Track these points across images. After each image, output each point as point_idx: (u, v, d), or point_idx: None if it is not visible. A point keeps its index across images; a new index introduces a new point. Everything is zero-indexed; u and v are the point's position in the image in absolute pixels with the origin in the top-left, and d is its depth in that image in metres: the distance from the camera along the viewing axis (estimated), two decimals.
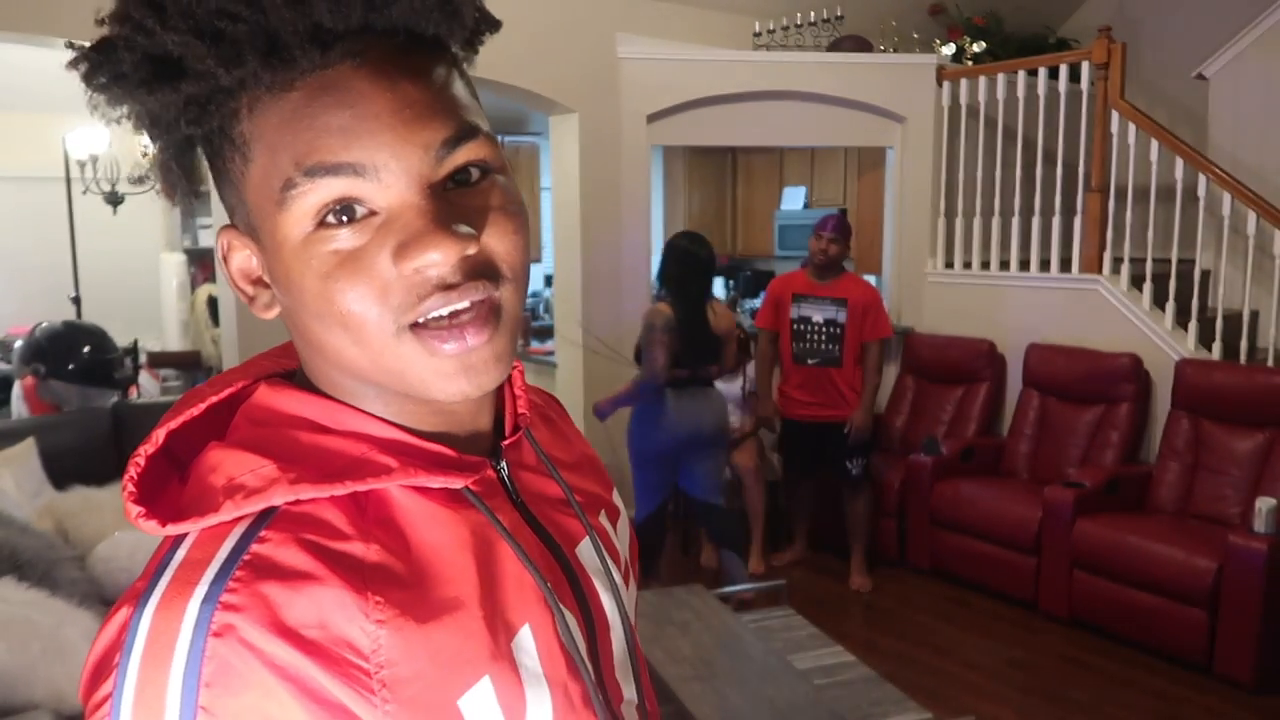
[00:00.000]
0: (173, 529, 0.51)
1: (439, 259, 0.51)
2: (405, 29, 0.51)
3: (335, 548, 0.52)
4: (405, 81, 0.51)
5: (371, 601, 0.51)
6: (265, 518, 0.52)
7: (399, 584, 0.52)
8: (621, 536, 0.74)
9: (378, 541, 0.53)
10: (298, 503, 0.52)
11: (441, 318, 0.52)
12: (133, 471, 0.54)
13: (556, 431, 0.74)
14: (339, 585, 0.50)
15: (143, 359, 5.45)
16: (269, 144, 0.51)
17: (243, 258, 0.57)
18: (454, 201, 0.53)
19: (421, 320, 0.52)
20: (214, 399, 0.59)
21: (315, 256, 0.52)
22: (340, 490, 0.53)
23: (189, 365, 6.21)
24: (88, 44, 0.51)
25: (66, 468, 3.01)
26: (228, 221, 0.58)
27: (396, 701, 0.50)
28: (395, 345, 0.52)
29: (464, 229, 0.51)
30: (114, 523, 2.77)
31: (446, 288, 0.52)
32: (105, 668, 0.48)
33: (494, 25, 0.58)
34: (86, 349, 3.41)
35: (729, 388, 4.47)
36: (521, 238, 0.55)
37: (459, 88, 0.55)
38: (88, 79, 0.50)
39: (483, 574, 0.56)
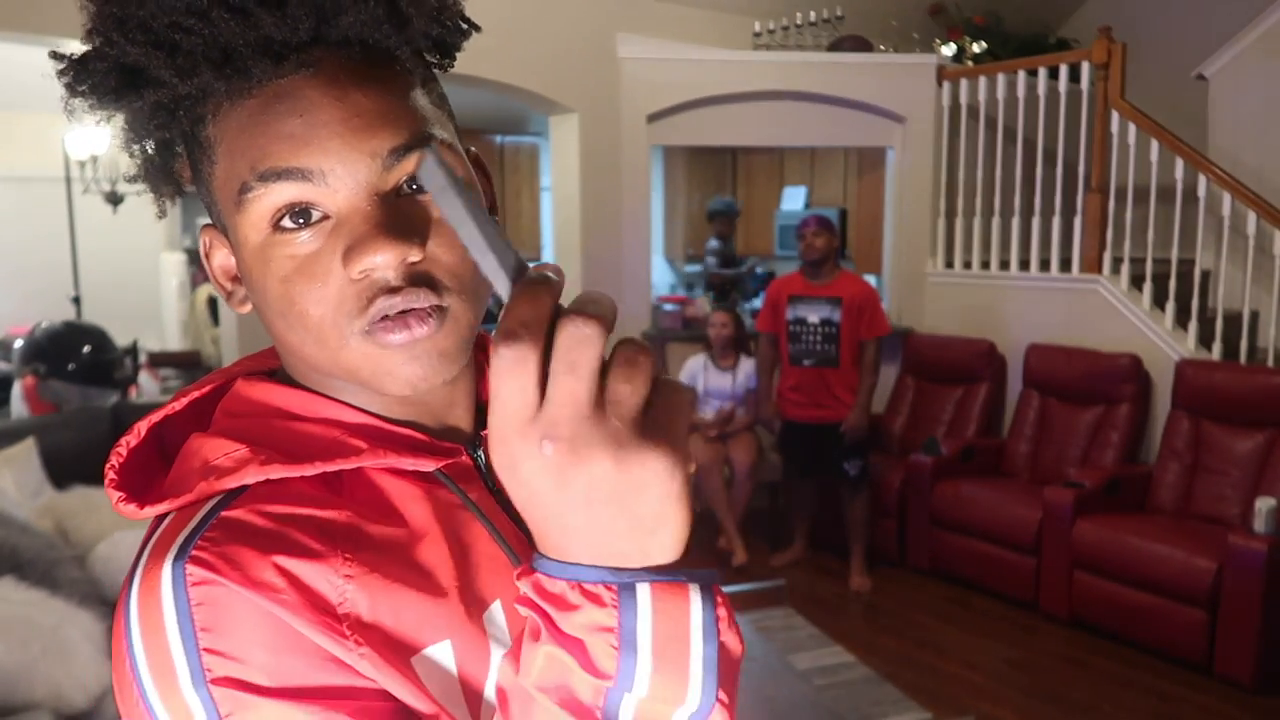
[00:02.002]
0: (150, 510, 0.55)
1: (381, 261, 0.52)
2: (359, 41, 0.54)
3: (304, 512, 0.54)
4: (356, 91, 0.53)
5: (340, 558, 0.53)
6: (236, 494, 0.54)
7: (369, 545, 0.55)
8: None
9: (349, 509, 0.56)
10: (272, 484, 0.54)
11: (388, 317, 0.54)
12: (114, 460, 0.57)
13: None
14: (306, 540, 0.52)
15: (143, 359, 5.45)
16: (228, 148, 0.54)
17: (222, 255, 0.61)
18: (404, 209, 0.54)
19: (372, 322, 0.55)
20: (195, 395, 0.62)
21: (273, 260, 0.54)
22: (310, 470, 0.55)
23: (189, 365, 6.20)
24: (69, 55, 0.54)
25: (66, 468, 3.01)
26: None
27: (369, 645, 0.52)
28: (354, 346, 0.55)
29: (409, 235, 0.53)
30: (114, 523, 2.77)
31: (390, 290, 0.53)
32: (119, 660, 0.51)
33: (464, 32, 0.60)
34: (86, 349, 3.41)
35: (726, 384, 4.49)
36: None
37: (418, 97, 0.56)
38: (70, 88, 0.54)
39: (454, 549, 0.58)
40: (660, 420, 0.42)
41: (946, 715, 3.12)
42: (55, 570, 2.36)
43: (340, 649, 0.50)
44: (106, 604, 2.42)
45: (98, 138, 5.51)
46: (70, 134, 5.59)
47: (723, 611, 0.44)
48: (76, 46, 0.54)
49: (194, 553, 0.50)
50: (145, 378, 4.82)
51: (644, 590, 0.42)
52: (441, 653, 0.55)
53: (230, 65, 0.51)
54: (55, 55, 0.54)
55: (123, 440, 0.58)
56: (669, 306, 5.43)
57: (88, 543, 2.70)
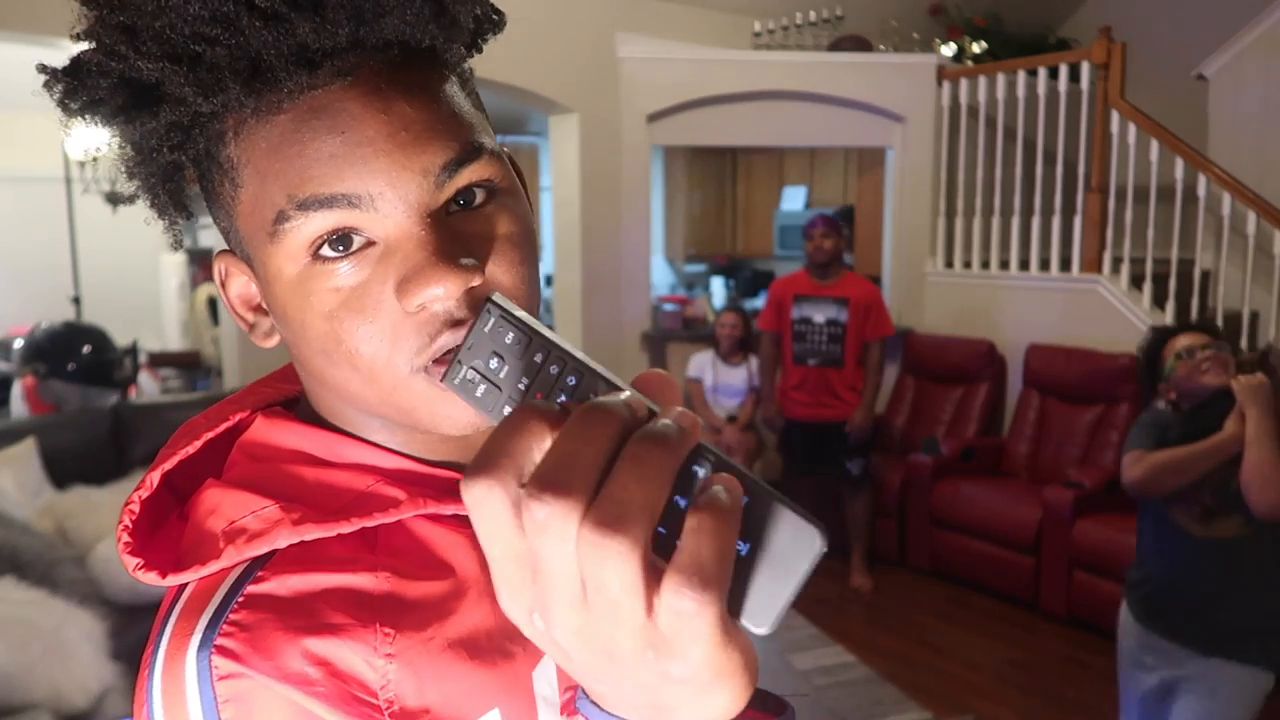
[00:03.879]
0: (174, 579, 0.49)
1: (442, 294, 0.47)
2: (399, 43, 0.48)
3: (338, 582, 0.49)
4: (401, 101, 0.48)
5: (380, 634, 0.48)
6: (263, 560, 0.49)
7: (409, 612, 0.50)
8: None
9: (388, 569, 0.51)
10: (301, 541, 0.50)
11: (451, 351, 0.49)
12: (127, 520, 0.51)
13: None
14: (343, 619, 0.48)
15: (143, 359, 5.45)
16: (258, 170, 0.48)
17: (241, 284, 0.55)
18: (457, 227, 0.49)
19: (435, 358, 0.50)
20: (209, 435, 0.56)
21: (314, 294, 0.49)
22: (347, 528, 0.50)
23: (189, 365, 6.21)
24: (58, 67, 0.48)
25: (66, 468, 3.01)
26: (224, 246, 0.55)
27: None
28: (408, 383, 0.49)
29: (467, 260, 0.48)
30: (114, 523, 2.76)
31: (455, 323, 0.48)
32: None
33: (497, 25, 0.55)
34: (86, 349, 3.41)
35: (733, 375, 4.51)
36: (528, 268, 0.52)
37: (460, 101, 0.51)
38: (63, 104, 0.47)
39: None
40: (685, 565, 0.31)
41: (946, 715, 3.12)
42: (55, 570, 2.36)
43: None
44: (106, 604, 2.42)
45: (98, 138, 5.51)
46: (70, 134, 5.60)
47: None
48: (76, 48, 0.50)
49: (219, 641, 0.46)
50: (145, 378, 4.82)
51: None
52: None
53: (259, 78, 0.45)
54: (44, 68, 0.47)
55: (134, 495, 0.52)
56: (669, 306, 5.43)
57: (88, 543, 2.70)
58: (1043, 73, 4.56)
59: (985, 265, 4.89)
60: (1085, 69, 4.42)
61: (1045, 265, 4.65)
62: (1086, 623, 3.77)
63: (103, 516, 2.80)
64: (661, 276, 7.00)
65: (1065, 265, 4.56)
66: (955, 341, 4.80)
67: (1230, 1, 5.09)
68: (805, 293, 4.19)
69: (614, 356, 4.96)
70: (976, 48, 5.47)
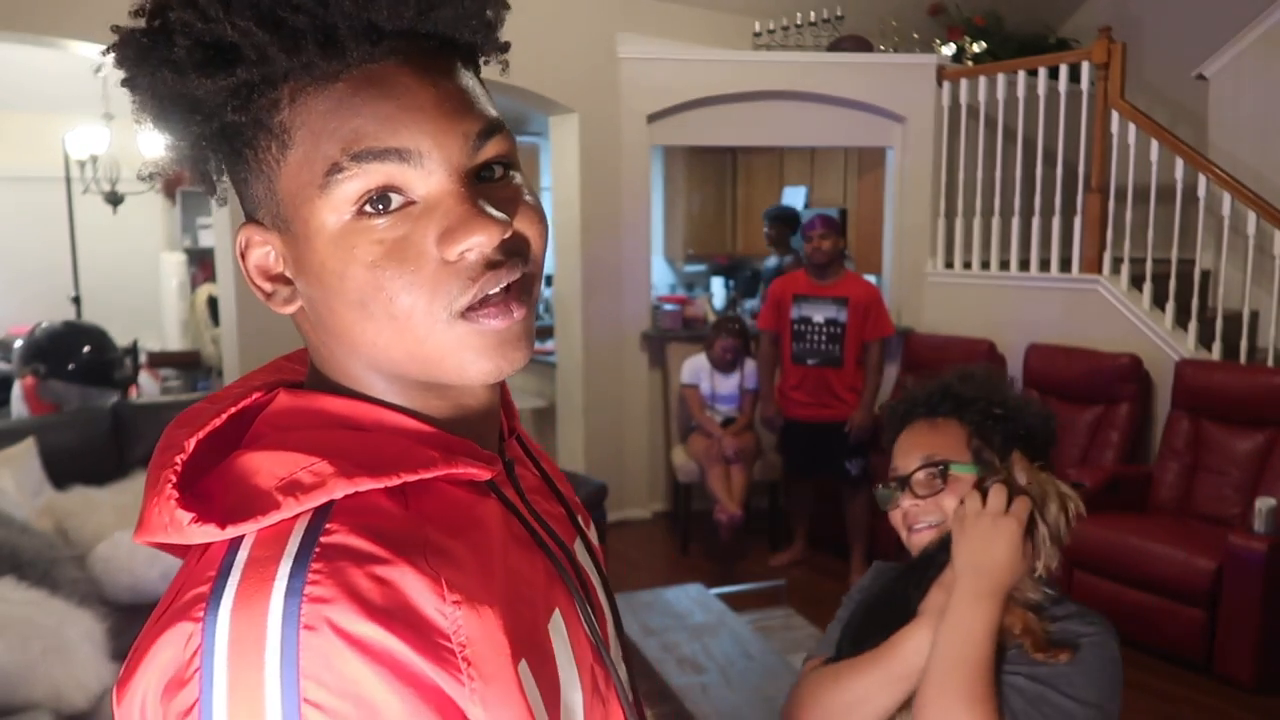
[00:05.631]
0: (233, 530, 0.51)
1: (483, 240, 0.53)
2: (442, 34, 0.55)
3: (399, 531, 0.52)
4: (443, 79, 0.55)
5: (444, 583, 0.51)
6: (324, 513, 0.51)
7: (459, 568, 0.53)
8: (593, 537, 0.78)
9: (429, 526, 0.54)
10: (351, 497, 0.52)
11: (493, 295, 0.54)
12: (172, 478, 0.53)
13: (530, 442, 0.77)
14: (413, 570, 0.50)
15: (143, 359, 5.45)
16: (313, 130, 0.53)
17: (261, 254, 0.58)
18: (486, 192, 0.55)
19: (474, 303, 0.54)
20: (233, 409, 0.59)
21: (358, 245, 0.53)
22: (394, 481, 0.53)
23: (189, 365, 6.21)
24: (136, 28, 0.53)
25: (66, 468, 3.02)
26: (245, 219, 0.59)
27: (482, 679, 0.51)
28: (444, 331, 0.54)
29: (499, 214, 0.54)
30: (114, 523, 2.78)
31: (494, 265, 0.54)
32: (177, 681, 0.47)
33: (501, 47, 0.61)
34: (86, 349, 3.41)
35: (728, 382, 4.50)
36: (544, 227, 0.58)
37: (481, 92, 0.58)
38: (137, 63, 0.52)
39: (519, 560, 0.58)
40: None
41: None
42: (55, 570, 2.36)
43: (454, 687, 0.49)
44: (106, 604, 2.43)
45: (98, 138, 5.51)
46: (70, 134, 5.60)
47: None
48: (76, 47, 0.52)
49: (308, 589, 0.48)
50: (145, 378, 4.82)
51: None
52: (523, 674, 0.54)
53: (330, 46, 0.51)
54: (118, 29, 0.53)
55: (175, 458, 0.54)
56: (669, 306, 5.43)
57: (88, 543, 2.71)
58: (1043, 73, 4.56)
59: (985, 265, 4.89)
60: (1085, 69, 4.42)
61: (1045, 265, 4.65)
62: None
63: (103, 516, 2.80)
64: (661, 276, 7.01)
65: (1065, 265, 4.56)
66: (955, 341, 4.80)
67: (1230, 1, 5.09)
68: (804, 292, 4.19)
69: (614, 356, 4.97)
70: (976, 48, 5.47)
